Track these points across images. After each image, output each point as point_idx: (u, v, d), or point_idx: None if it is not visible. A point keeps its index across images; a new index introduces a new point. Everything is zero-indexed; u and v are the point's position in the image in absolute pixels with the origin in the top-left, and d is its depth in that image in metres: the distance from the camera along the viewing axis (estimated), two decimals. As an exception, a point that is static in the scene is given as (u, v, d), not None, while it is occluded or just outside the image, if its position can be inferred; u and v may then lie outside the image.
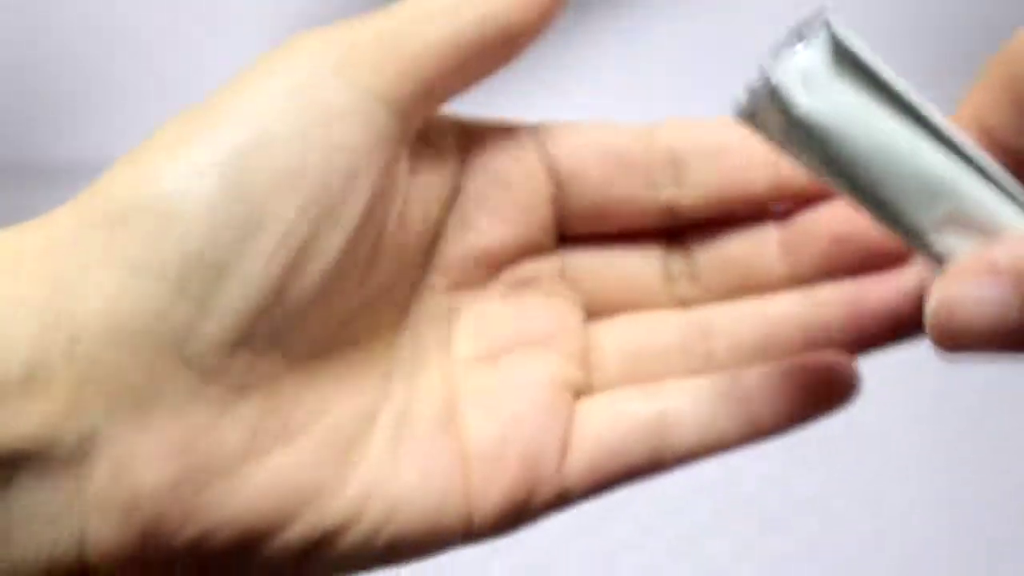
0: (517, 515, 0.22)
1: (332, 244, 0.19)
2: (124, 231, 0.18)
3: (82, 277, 0.18)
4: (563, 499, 0.22)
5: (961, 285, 0.16)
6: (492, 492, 0.21)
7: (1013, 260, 0.16)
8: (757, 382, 0.22)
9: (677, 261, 0.24)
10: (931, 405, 0.47)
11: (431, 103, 0.21)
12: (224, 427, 0.19)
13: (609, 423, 0.22)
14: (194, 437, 0.18)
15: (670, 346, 0.23)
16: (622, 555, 0.44)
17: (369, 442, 0.21)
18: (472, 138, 0.23)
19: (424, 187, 0.21)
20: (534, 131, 0.23)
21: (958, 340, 0.16)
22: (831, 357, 0.22)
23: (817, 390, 0.22)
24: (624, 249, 0.24)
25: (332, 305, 0.20)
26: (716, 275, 0.24)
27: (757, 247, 0.23)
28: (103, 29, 0.56)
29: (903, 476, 0.46)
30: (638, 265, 0.24)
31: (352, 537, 0.20)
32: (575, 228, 0.23)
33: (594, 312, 0.24)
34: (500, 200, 0.22)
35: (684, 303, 0.24)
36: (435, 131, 0.22)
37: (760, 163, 0.23)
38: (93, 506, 0.18)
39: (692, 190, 0.23)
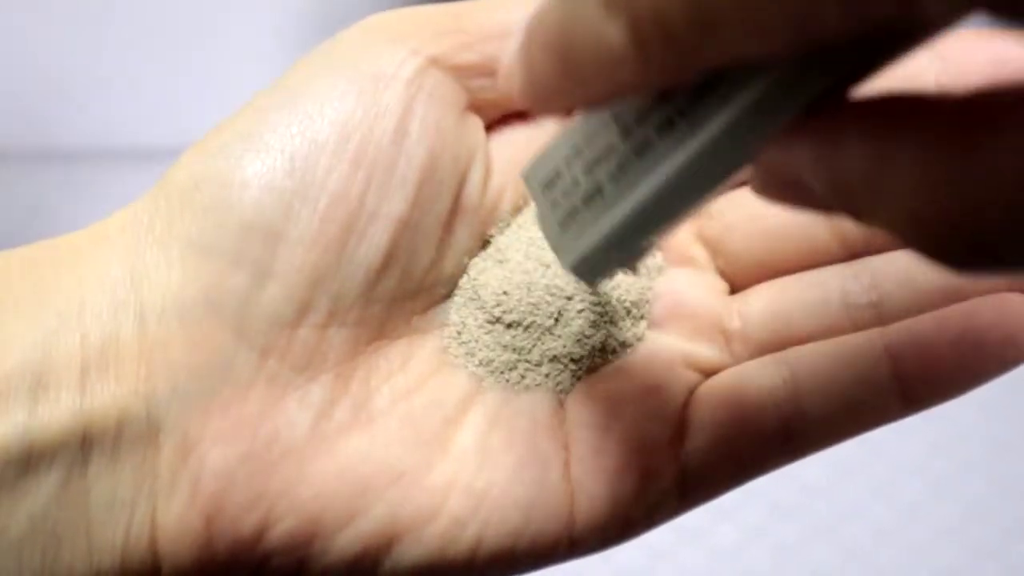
0: (627, 511, 0.19)
1: (394, 206, 0.19)
2: (185, 208, 0.18)
3: (149, 256, 0.18)
4: (685, 488, 0.19)
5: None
6: (594, 483, 0.19)
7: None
8: (911, 336, 0.19)
9: None
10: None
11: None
12: (290, 408, 0.18)
13: (732, 401, 0.19)
14: (258, 417, 0.18)
15: (828, 301, 0.20)
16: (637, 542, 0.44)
17: (458, 431, 0.19)
18: None
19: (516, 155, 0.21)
20: None
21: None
22: (1008, 300, 0.18)
23: (987, 344, 0.18)
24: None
25: (406, 273, 0.19)
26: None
27: None
28: (114, 22, 0.57)
29: (914, 462, 0.46)
30: (791, 215, 0.21)
31: (431, 534, 0.18)
32: None
33: (741, 276, 0.21)
34: None
35: (851, 250, 0.20)
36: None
37: None
38: (162, 487, 0.18)
39: None
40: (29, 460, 0.17)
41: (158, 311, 0.18)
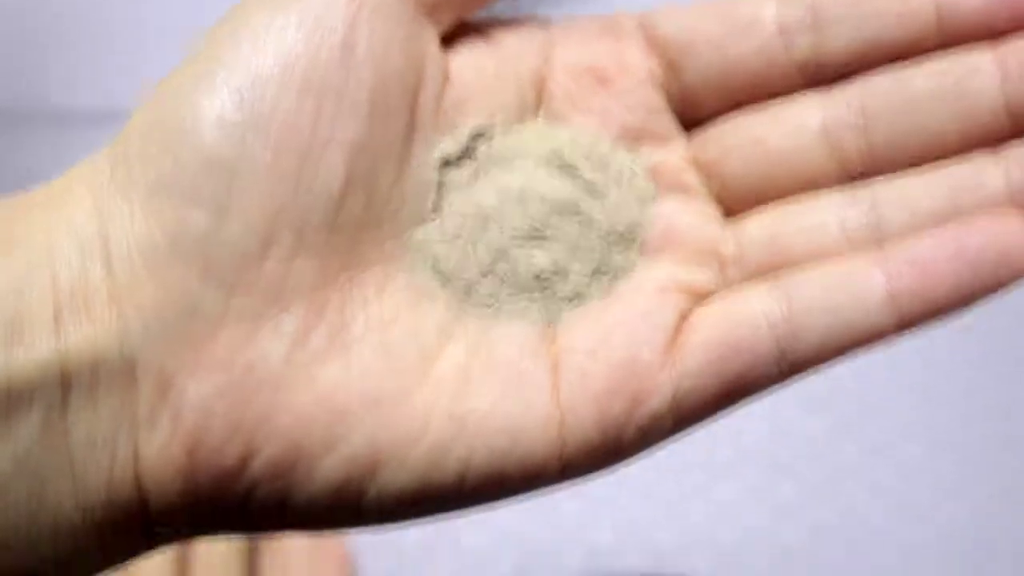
0: (618, 434, 0.19)
1: (348, 129, 0.19)
2: (142, 153, 0.18)
3: (112, 202, 0.18)
4: (676, 412, 0.19)
5: None
6: (583, 406, 0.19)
7: None
8: (906, 254, 0.19)
9: (841, 117, 0.21)
10: (943, 349, 0.47)
11: None
12: (263, 339, 0.18)
13: (726, 322, 0.19)
14: (232, 350, 0.18)
15: (825, 225, 0.20)
16: (638, 501, 0.44)
17: (437, 360, 0.19)
18: (558, 33, 0.22)
19: (485, 76, 0.21)
20: (634, 17, 0.22)
21: None
22: (1006, 219, 0.19)
23: (983, 262, 0.18)
24: (771, 118, 0.21)
25: (369, 196, 0.19)
26: (886, 131, 0.20)
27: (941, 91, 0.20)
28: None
29: (912, 423, 0.46)
30: (789, 133, 0.21)
31: (415, 457, 0.19)
32: (705, 107, 0.22)
33: (736, 201, 0.21)
34: (591, 94, 0.21)
35: (850, 174, 0.21)
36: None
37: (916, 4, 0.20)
38: (142, 423, 0.18)
39: (835, 40, 0.20)
40: (9, 402, 0.17)
41: (124, 255, 0.18)
